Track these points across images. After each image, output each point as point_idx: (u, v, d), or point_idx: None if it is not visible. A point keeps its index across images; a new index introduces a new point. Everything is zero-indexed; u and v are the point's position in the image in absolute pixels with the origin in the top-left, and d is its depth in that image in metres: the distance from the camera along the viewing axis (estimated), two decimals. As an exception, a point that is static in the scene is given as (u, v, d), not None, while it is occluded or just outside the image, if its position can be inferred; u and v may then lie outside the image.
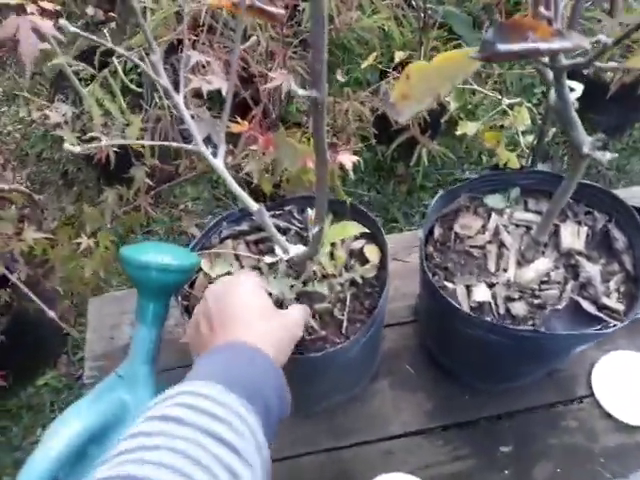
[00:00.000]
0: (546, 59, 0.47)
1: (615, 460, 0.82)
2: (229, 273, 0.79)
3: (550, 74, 0.49)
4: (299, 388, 0.84)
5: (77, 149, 0.44)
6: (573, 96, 0.51)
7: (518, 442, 0.85)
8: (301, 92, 0.36)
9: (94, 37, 0.47)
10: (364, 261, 0.77)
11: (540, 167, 1.67)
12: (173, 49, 1.23)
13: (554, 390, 0.88)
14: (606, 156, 0.49)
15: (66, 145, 0.44)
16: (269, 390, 0.48)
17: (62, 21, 0.46)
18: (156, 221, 2.07)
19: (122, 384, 0.71)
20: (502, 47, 0.36)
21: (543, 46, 0.37)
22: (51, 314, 0.55)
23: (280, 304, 0.71)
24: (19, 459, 1.66)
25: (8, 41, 0.47)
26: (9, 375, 1.62)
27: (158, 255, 0.69)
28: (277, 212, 0.83)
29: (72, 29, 0.45)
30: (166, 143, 0.55)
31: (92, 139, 1.07)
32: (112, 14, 1.79)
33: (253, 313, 0.53)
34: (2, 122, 1.84)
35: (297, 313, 0.60)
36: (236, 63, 0.58)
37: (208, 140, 0.90)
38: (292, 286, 0.72)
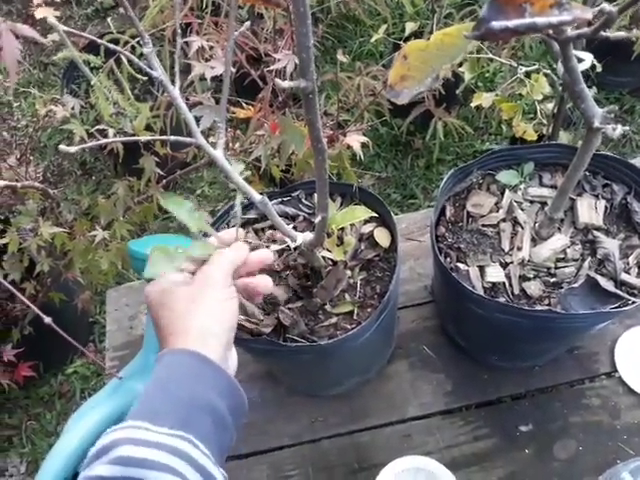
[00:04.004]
0: (549, 31, 0.44)
1: (638, 436, 0.80)
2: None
3: (556, 45, 0.47)
4: (314, 374, 0.85)
5: (72, 149, 0.44)
6: (581, 67, 0.48)
7: (538, 421, 0.84)
8: (286, 84, 0.35)
9: (86, 34, 0.46)
10: (374, 245, 0.75)
11: (562, 135, 1.61)
12: (182, 32, 1.21)
13: (575, 368, 0.87)
14: (617, 131, 0.46)
15: (61, 147, 0.44)
16: (214, 395, 0.46)
17: (52, 20, 0.45)
18: (173, 208, 2.08)
19: (138, 376, 0.72)
20: (497, 24, 0.34)
21: (541, 21, 0.34)
22: (47, 319, 0.55)
23: None
24: (54, 444, 1.72)
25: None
26: (39, 365, 1.67)
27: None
28: (285, 198, 0.82)
29: (63, 28, 0.44)
30: (163, 138, 0.54)
31: (101, 131, 1.07)
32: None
33: (189, 315, 0.49)
34: (16, 117, 1.86)
35: (220, 295, 0.51)
36: (231, 49, 0.57)
37: (215, 124, 0.88)
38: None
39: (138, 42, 1.14)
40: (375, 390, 0.90)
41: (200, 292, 0.50)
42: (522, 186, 0.77)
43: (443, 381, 0.89)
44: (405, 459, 0.75)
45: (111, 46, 0.49)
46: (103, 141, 0.50)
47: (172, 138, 0.54)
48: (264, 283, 0.55)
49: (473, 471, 0.81)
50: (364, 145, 0.94)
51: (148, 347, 0.72)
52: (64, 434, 0.66)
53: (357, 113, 1.38)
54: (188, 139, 0.55)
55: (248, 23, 0.59)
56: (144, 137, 0.51)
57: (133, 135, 1.12)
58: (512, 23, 0.35)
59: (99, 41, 0.50)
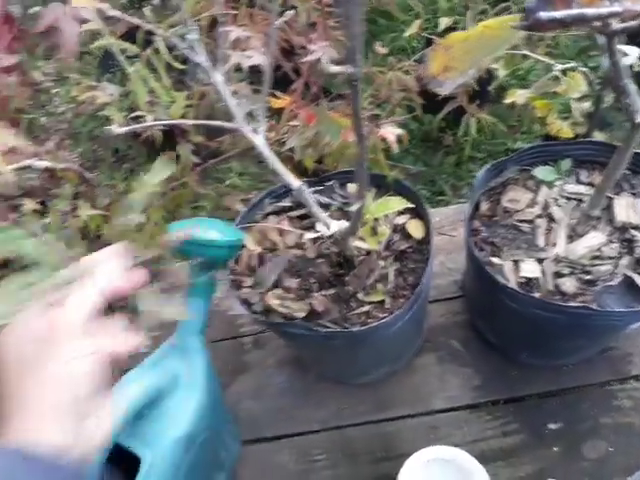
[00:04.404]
0: (596, 23, 0.44)
1: (671, 440, 0.79)
2: (274, 249, 0.81)
3: (601, 38, 0.47)
4: (343, 361, 0.86)
5: (120, 130, 0.46)
6: (626, 61, 0.48)
7: (568, 419, 0.83)
8: (334, 69, 0.36)
9: (134, 19, 0.47)
10: (408, 237, 0.76)
11: (597, 135, 1.59)
12: (217, 23, 1.22)
13: (607, 368, 0.86)
14: (664, 125, 0.46)
15: (109, 127, 0.45)
16: None
17: (102, 5, 0.46)
18: (203, 197, 2.11)
19: (175, 353, 0.74)
20: (544, 15, 0.34)
21: (590, 12, 0.34)
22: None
23: None
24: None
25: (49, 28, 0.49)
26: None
27: (205, 231, 0.71)
28: (319, 188, 0.83)
29: (112, 13, 0.45)
30: (205, 122, 0.55)
31: (137, 117, 1.09)
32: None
33: (24, 385, 0.37)
34: (55, 102, 1.91)
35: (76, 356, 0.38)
36: (274, 38, 0.58)
37: (250, 116, 0.90)
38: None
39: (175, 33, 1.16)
40: (402, 381, 0.90)
41: (44, 349, 0.37)
42: (558, 183, 0.76)
43: (471, 375, 0.89)
44: (433, 449, 0.75)
45: (157, 31, 0.50)
46: (152, 123, 0.51)
47: (216, 123, 0.55)
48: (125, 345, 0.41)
49: (500, 466, 0.81)
50: (399, 138, 0.94)
51: (186, 328, 0.74)
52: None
53: (388, 108, 1.38)
54: (230, 124, 0.57)
55: (292, 12, 0.60)
56: (190, 121, 0.53)
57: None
58: (560, 14, 0.35)
59: (145, 25, 0.51)
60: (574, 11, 0.36)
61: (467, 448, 0.81)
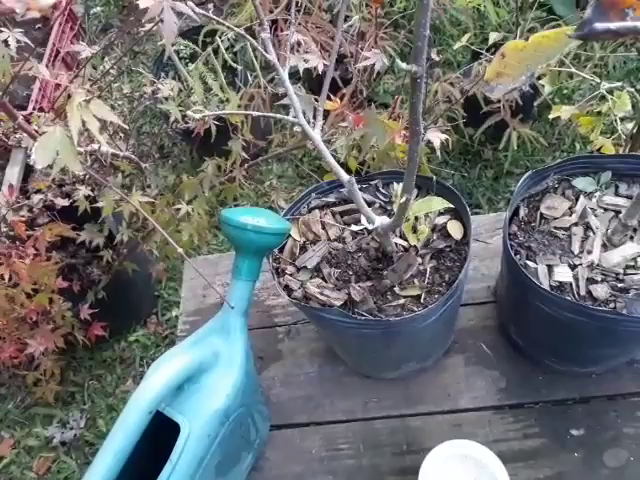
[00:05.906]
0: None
1: (694, 454, 0.80)
2: (316, 241, 0.85)
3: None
4: (375, 352, 0.89)
5: (197, 116, 0.51)
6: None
7: (590, 427, 0.85)
8: (403, 65, 0.40)
9: (216, 17, 0.52)
10: (447, 236, 0.79)
11: (637, 157, 1.59)
12: (277, 26, 1.29)
13: (633, 380, 0.87)
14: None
15: (189, 112, 0.50)
16: None
17: (190, 3, 0.52)
18: (243, 196, 2.18)
19: (218, 332, 0.79)
20: (599, 26, 0.38)
21: (642, 25, 0.38)
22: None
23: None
24: (112, 404, 1.83)
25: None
26: (108, 328, 1.79)
27: (254, 217, 0.76)
28: (363, 186, 0.87)
29: (198, 11, 0.51)
30: (270, 115, 0.60)
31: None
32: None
33: None
34: (113, 97, 2.02)
35: None
36: (338, 44, 0.62)
37: (303, 115, 0.95)
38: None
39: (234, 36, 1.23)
40: (429, 379, 0.93)
41: None
42: (597, 194, 0.79)
43: (497, 378, 0.91)
44: (454, 443, 0.77)
45: (238, 30, 0.55)
46: (228, 112, 0.56)
47: (278, 116, 0.60)
48: None
49: (519, 467, 0.83)
50: (441, 145, 0.98)
51: (230, 309, 0.79)
52: (145, 379, 0.73)
53: (431, 118, 1.42)
54: (292, 118, 0.61)
55: (352, 20, 0.64)
56: (255, 113, 0.58)
57: (220, 119, 1.21)
58: (614, 25, 0.38)
59: (221, 23, 0.56)
60: (628, 24, 0.39)
61: (488, 447, 0.83)
